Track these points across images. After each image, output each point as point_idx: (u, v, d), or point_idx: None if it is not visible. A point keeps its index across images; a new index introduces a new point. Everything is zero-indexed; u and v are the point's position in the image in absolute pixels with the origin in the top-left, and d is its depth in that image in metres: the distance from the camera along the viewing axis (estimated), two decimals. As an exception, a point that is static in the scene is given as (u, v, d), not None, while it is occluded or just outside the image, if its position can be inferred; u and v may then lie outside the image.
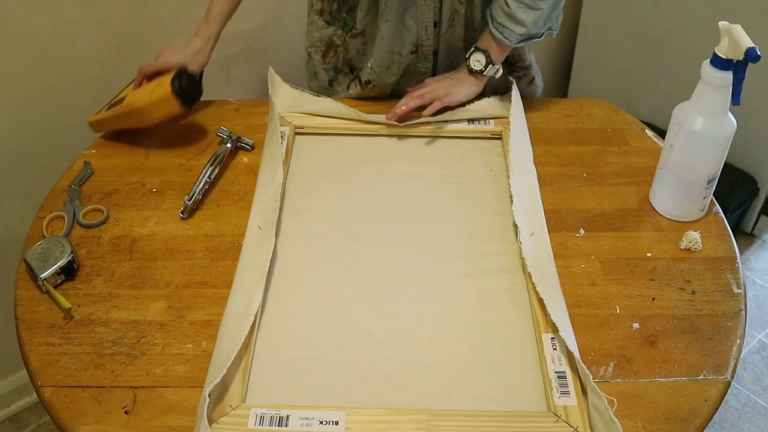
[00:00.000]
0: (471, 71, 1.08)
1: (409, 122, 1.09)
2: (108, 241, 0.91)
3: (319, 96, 1.12)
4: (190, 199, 0.96)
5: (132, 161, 1.05)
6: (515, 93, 1.10)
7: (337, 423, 0.69)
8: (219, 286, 0.85)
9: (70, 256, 0.85)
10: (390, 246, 0.91)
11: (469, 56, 1.08)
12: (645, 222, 0.95)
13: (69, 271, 0.85)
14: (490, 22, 1.06)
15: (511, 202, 0.94)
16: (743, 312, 0.83)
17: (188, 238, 0.92)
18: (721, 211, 0.97)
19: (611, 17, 2.15)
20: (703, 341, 0.79)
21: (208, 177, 0.99)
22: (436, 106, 1.08)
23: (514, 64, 1.22)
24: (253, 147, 1.08)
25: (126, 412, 0.71)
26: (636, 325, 0.80)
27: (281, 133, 1.06)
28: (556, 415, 0.70)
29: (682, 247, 0.91)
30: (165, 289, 0.85)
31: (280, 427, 0.68)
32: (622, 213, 0.97)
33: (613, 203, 0.98)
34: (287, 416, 0.69)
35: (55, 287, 0.84)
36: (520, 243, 0.88)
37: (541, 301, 0.79)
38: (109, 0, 1.30)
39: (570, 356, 0.75)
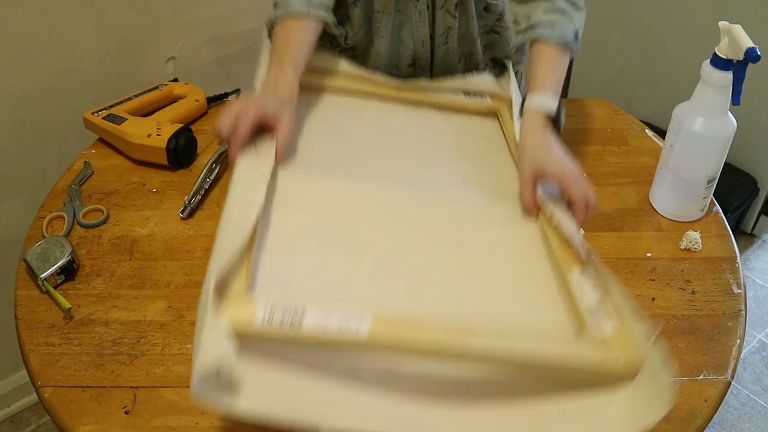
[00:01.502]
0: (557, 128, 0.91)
1: (406, 85, 1.06)
2: (108, 241, 0.91)
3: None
4: (190, 199, 0.96)
5: (132, 161, 1.05)
6: (512, 75, 1.06)
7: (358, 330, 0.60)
8: (219, 286, 0.85)
9: (70, 256, 0.85)
10: (396, 189, 0.86)
11: (559, 114, 0.89)
12: (645, 222, 0.95)
13: (69, 271, 0.85)
14: (536, 33, 0.94)
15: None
16: (743, 312, 0.83)
17: (188, 238, 0.92)
18: (721, 211, 0.97)
19: (611, 17, 2.15)
20: (703, 341, 0.79)
21: (208, 177, 0.99)
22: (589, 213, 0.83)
23: (504, 64, 1.22)
24: (253, 147, 1.08)
25: (126, 412, 0.71)
26: (636, 325, 0.80)
27: None
28: (596, 345, 0.64)
29: (682, 247, 0.91)
30: (165, 289, 0.85)
31: (293, 327, 0.59)
32: (622, 213, 0.97)
33: (613, 203, 0.98)
34: (302, 311, 0.59)
35: (55, 287, 0.84)
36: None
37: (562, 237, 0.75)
38: (109, 0, 1.30)
39: (604, 284, 0.69)
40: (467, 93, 1.08)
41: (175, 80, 1.21)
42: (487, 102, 1.07)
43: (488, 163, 0.95)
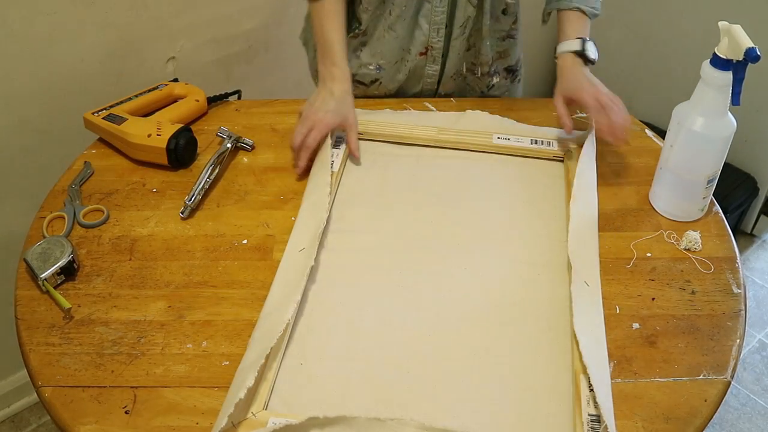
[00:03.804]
0: (588, 62, 1.05)
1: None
2: (108, 241, 0.91)
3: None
4: (190, 199, 0.96)
5: (132, 161, 1.05)
6: (591, 134, 1.05)
7: None
8: (219, 286, 0.85)
9: (70, 256, 0.85)
10: (435, 272, 0.87)
11: (584, 49, 1.04)
12: (645, 222, 0.95)
13: (69, 271, 0.85)
14: (574, 3, 1.08)
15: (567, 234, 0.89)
16: (743, 312, 0.83)
17: (188, 238, 0.92)
18: (720, 211, 0.97)
19: (611, 17, 2.15)
20: (703, 341, 0.79)
21: (208, 177, 0.99)
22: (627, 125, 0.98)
23: (516, 70, 1.22)
24: (253, 147, 1.08)
25: (126, 412, 0.71)
26: (636, 325, 0.80)
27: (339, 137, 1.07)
28: None
29: (682, 247, 0.91)
30: (165, 289, 0.85)
31: None
32: (622, 213, 0.97)
33: (613, 203, 0.98)
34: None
35: (55, 287, 0.84)
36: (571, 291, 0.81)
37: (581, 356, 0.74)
38: (109, 0, 1.30)
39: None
40: (534, 141, 1.08)
41: (175, 80, 1.21)
42: (554, 148, 1.07)
43: (542, 227, 0.94)
